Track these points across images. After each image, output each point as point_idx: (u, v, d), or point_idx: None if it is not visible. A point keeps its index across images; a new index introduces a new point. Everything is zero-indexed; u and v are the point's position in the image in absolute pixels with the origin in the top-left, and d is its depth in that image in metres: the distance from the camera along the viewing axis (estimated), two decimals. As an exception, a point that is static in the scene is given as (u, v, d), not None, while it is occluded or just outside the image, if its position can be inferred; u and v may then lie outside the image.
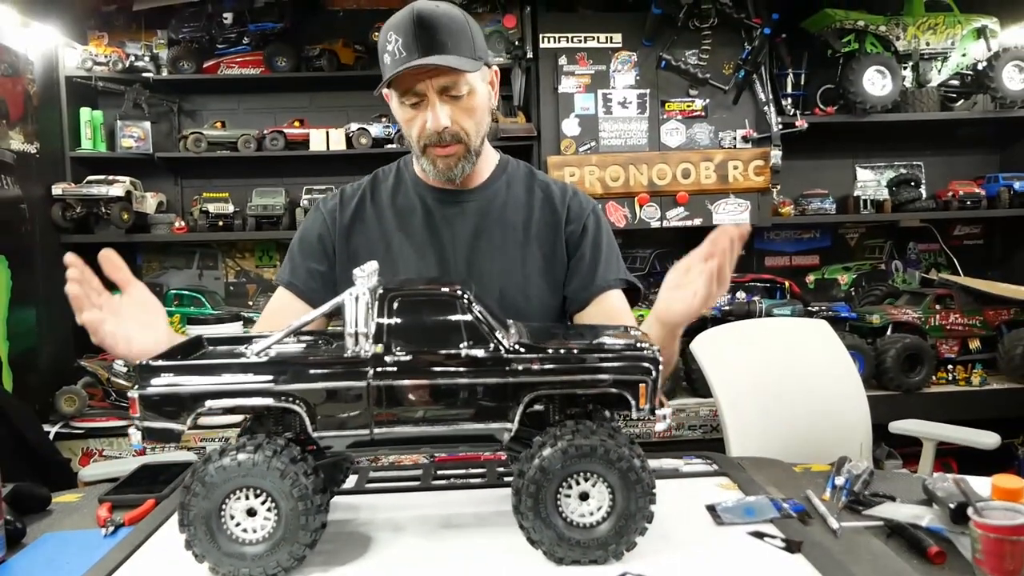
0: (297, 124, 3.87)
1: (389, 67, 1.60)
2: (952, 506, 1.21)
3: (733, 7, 3.71)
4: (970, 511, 1.07)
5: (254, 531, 1.10)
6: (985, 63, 3.93)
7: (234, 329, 3.37)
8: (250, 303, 4.10)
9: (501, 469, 1.57)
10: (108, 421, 3.25)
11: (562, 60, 3.70)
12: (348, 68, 3.83)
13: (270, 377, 1.11)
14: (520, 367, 1.12)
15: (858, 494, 1.36)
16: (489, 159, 1.85)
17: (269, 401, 1.11)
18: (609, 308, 1.75)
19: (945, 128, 4.19)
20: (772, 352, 2.34)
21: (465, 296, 1.14)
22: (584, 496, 1.12)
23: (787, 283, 3.77)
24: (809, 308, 3.67)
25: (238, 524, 1.10)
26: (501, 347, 1.12)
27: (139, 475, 1.61)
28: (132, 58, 3.78)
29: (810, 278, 4.33)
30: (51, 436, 3.12)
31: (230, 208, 3.79)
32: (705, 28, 3.72)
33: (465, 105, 1.63)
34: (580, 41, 3.71)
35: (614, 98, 3.72)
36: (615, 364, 1.13)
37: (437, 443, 1.15)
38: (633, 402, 1.13)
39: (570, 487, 1.11)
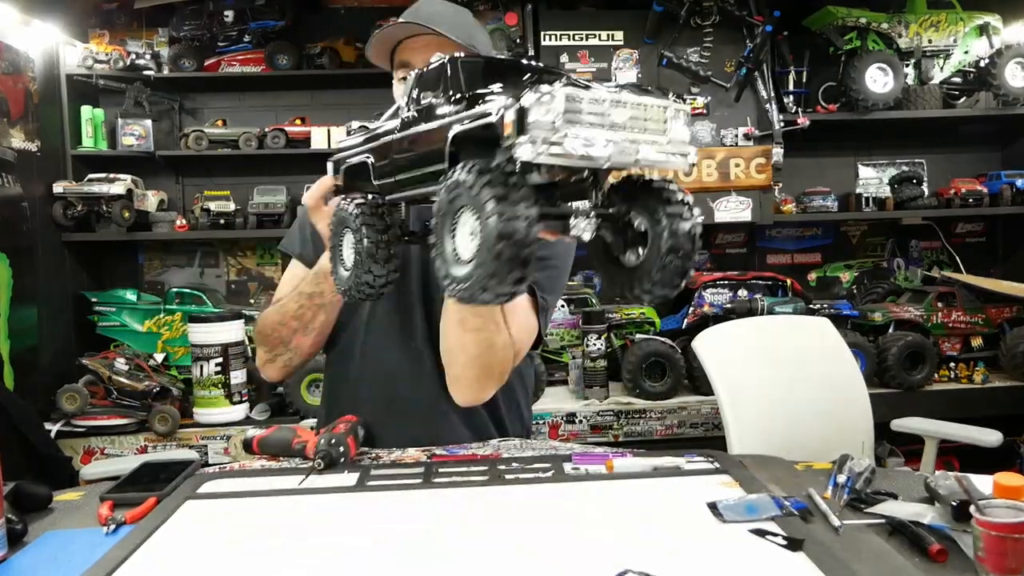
0: (298, 122, 3.87)
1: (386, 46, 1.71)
2: (954, 504, 1.21)
3: (735, 5, 3.71)
4: (972, 509, 1.07)
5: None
6: (987, 60, 3.92)
7: (235, 327, 3.36)
8: (251, 301, 4.10)
9: (502, 467, 1.58)
10: (109, 419, 3.25)
11: (563, 57, 3.70)
12: (350, 66, 3.83)
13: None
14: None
15: (860, 492, 1.36)
16: None
17: None
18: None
19: (947, 125, 4.18)
20: (774, 350, 2.34)
21: None
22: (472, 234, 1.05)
23: (789, 281, 3.76)
24: (811, 306, 3.66)
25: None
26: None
27: (140, 473, 1.61)
28: (133, 56, 3.78)
29: (812, 276, 4.33)
30: (52, 434, 3.12)
31: (231, 206, 3.79)
32: (707, 25, 3.72)
33: None
34: (581, 39, 3.71)
35: (615, 96, 3.71)
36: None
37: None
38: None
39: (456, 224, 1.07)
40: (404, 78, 1.67)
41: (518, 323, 1.69)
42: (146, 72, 3.80)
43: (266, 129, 3.78)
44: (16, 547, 1.28)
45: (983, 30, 3.93)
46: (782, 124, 3.74)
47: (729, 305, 3.60)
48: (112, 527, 1.34)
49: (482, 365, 1.64)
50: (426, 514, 1.15)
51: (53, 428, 3.16)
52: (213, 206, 3.78)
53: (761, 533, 1.22)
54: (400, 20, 1.68)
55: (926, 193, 4.08)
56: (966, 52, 3.95)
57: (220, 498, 1.49)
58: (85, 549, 1.24)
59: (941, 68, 3.96)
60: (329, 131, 3.77)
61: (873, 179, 4.27)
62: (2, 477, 1.26)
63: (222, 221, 3.78)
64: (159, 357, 3.67)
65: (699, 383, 3.42)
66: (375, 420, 1.75)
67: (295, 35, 3.89)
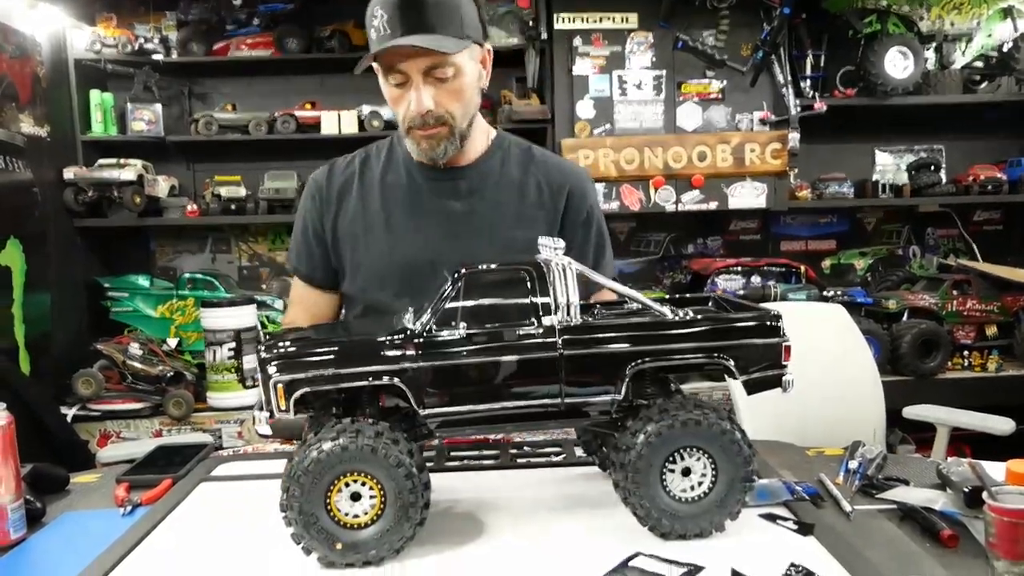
0: (308, 107, 3.87)
1: (374, 43, 1.57)
2: (966, 490, 1.22)
3: (751, -13, 3.68)
4: (984, 495, 1.07)
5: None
6: (1011, 45, 3.88)
7: (248, 312, 3.38)
8: (263, 286, 4.12)
9: (514, 451, 1.59)
10: (124, 404, 3.28)
11: (577, 41, 3.68)
12: (360, 49, 3.80)
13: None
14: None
15: (871, 478, 1.37)
16: (483, 136, 1.80)
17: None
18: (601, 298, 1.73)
19: (968, 111, 4.14)
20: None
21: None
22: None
23: (803, 268, 3.76)
24: (825, 293, 3.66)
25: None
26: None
27: (155, 456, 1.64)
28: (141, 40, 3.78)
29: (826, 263, 4.31)
30: (68, 419, 3.16)
31: (242, 192, 3.81)
32: (723, 8, 3.69)
33: (451, 87, 1.59)
34: (595, 21, 3.69)
35: (629, 80, 3.70)
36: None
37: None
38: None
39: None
40: (399, 84, 1.59)
41: None
42: (154, 56, 3.80)
43: (276, 114, 3.79)
44: (35, 528, 1.31)
45: (1007, 13, 3.88)
46: (799, 109, 3.72)
47: (742, 292, 3.60)
48: (128, 508, 1.37)
49: None
50: (437, 497, 1.16)
51: (69, 412, 3.20)
52: (224, 191, 3.80)
53: (772, 518, 1.23)
54: (390, 43, 1.53)
55: (944, 180, 4.06)
56: (989, 36, 3.91)
57: (234, 480, 1.52)
58: (102, 530, 1.27)
59: (963, 52, 3.92)
60: (339, 115, 3.77)
61: (890, 165, 4.24)
62: (20, 460, 1.28)
63: (233, 207, 3.80)
64: (172, 342, 3.70)
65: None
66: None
67: (304, 18, 3.88)
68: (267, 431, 1.18)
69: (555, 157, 1.90)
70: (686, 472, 1.15)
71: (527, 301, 1.16)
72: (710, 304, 1.41)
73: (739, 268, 3.77)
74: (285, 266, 2.00)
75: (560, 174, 1.82)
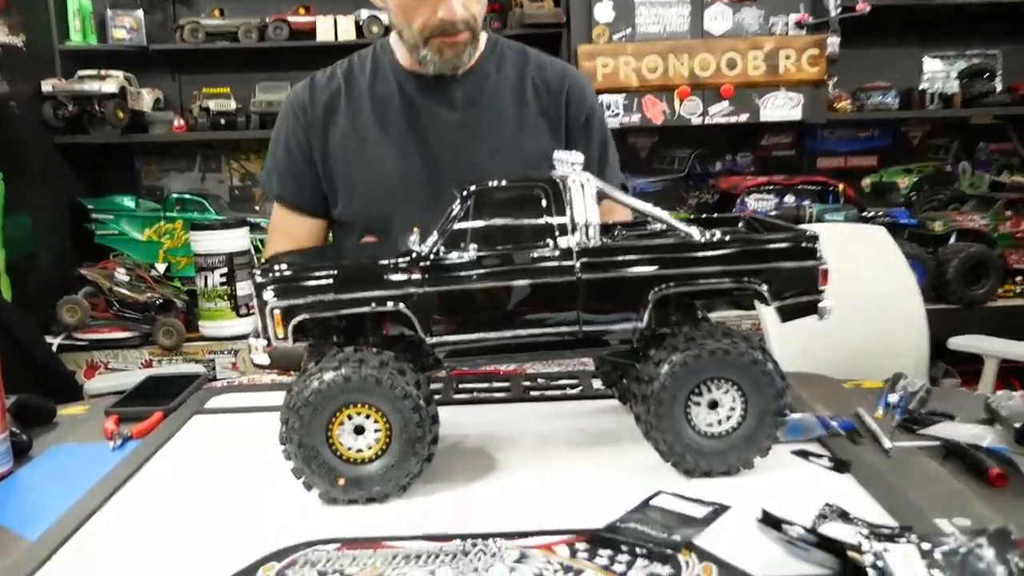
0: (302, 11, 3.78)
1: None
2: (1017, 426, 1.21)
3: None
4: (1037, 430, 1.06)
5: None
6: (1078, -65, 3.73)
7: (240, 234, 3.38)
8: (256, 208, 4.11)
9: (527, 383, 1.59)
10: (112, 332, 3.31)
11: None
12: (357, -53, 3.71)
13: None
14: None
15: (913, 412, 1.36)
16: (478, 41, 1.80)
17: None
18: (607, 215, 1.72)
19: (1027, 12, 4.01)
20: (823, 261, 2.32)
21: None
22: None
23: (841, 186, 3.71)
24: (864, 214, 3.63)
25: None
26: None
27: (145, 388, 1.66)
28: (120, -62, 3.70)
29: (866, 181, 4.23)
30: (54, 348, 3.19)
31: (232, 105, 3.77)
32: None
33: None
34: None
35: (653, -21, 3.59)
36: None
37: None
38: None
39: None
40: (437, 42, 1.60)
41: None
42: (135, -44, 3.71)
43: (267, 19, 3.71)
44: (21, 461, 1.32)
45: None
46: (839, 10, 3.60)
47: (774, 212, 3.57)
48: (119, 442, 1.38)
49: None
50: (445, 432, 1.16)
51: (54, 342, 3.23)
52: (213, 105, 3.76)
53: (805, 455, 1.22)
54: None
55: (999, 89, 3.95)
56: (1054, -75, 3.75)
57: (228, 413, 1.53)
58: (92, 463, 1.28)
59: (1023, -56, 3.77)
60: (336, 20, 3.69)
61: (939, 73, 4.13)
62: (5, 390, 1.29)
63: (223, 121, 3.76)
64: (161, 268, 3.72)
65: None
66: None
67: (297, -88, 3.77)
68: (264, 360, 1.18)
69: (550, 57, 1.89)
70: (713, 405, 1.14)
71: (542, 221, 1.14)
72: (740, 225, 1.38)
73: (771, 187, 3.73)
74: (260, 185, 1.98)
75: (557, 74, 1.81)
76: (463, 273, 1.12)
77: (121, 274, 3.42)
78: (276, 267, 1.13)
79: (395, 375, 1.08)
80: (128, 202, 3.80)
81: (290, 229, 1.87)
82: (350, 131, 1.77)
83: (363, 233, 1.79)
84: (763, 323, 2.28)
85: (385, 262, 1.12)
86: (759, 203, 3.70)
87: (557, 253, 1.13)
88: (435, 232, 1.14)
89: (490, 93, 1.77)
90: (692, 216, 1.54)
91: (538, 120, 1.78)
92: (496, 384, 1.61)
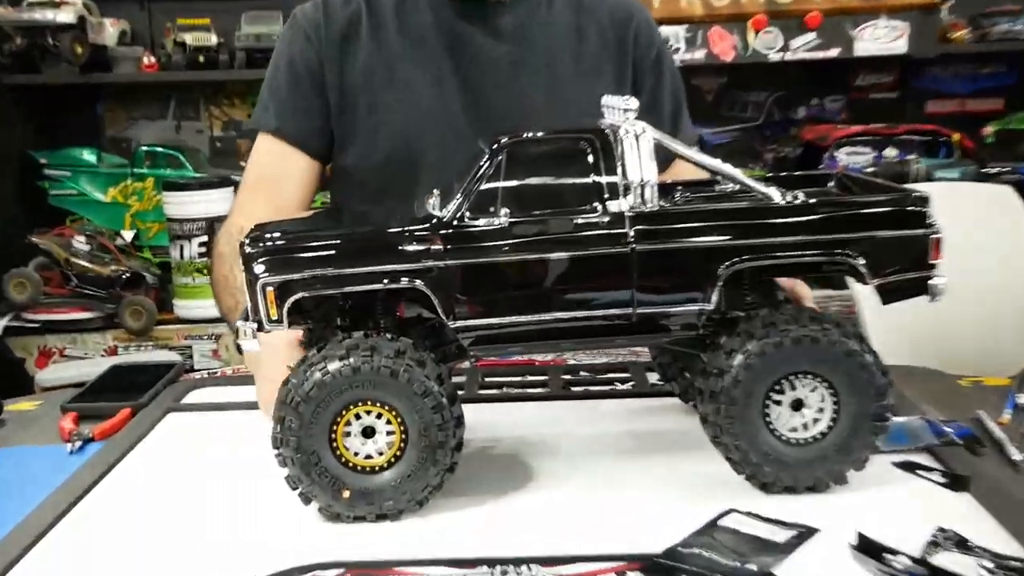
0: (296, -77, 3.78)
1: None
2: None
3: None
4: None
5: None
6: None
7: (223, 196, 3.39)
8: (242, 163, 4.10)
9: (568, 376, 1.58)
10: (69, 312, 3.35)
11: None
12: None
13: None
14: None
15: (1047, 416, 1.34)
16: None
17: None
18: (680, 175, 1.71)
19: None
20: (932, 228, 2.30)
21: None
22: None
23: (956, 136, 3.67)
24: (986, 170, 3.58)
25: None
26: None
27: (109, 379, 1.68)
28: None
29: (988, 129, 4.14)
30: None
31: (213, 39, 3.77)
32: None
33: None
34: None
35: None
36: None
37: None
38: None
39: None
40: None
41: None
42: None
43: (255, -67, 3.72)
44: (-42, 467, 1.34)
45: None
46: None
47: (872, 168, 3.54)
48: (77, 445, 1.39)
49: None
50: (470, 434, 1.15)
51: (0, 323, 3.28)
52: (189, 39, 3.76)
53: (912, 467, 1.21)
54: None
55: None
56: None
57: (209, 411, 1.54)
58: (45, 471, 1.29)
59: None
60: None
61: (1084, -7, 4.04)
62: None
63: (201, 59, 3.77)
64: (128, 235, 3.75)
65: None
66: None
67: None
68: (254, 347, 1.18)
69: None
70: (797, 405, 1.13)
71: (588, 180, 1.13)
72: (831, 185, 1.36)
73: (868, 137, 3.70)
74: (247, 124, 1.98)
75: (621, 5, 1.83)
76: (492, 243, 1.11)
77: (80, 242, 3.45)
78: (269, 234, 1.13)
79: (413, 367, 1.08)
80: (88, 155, 3.83)
81: (277, 173, 1.85)
82: (374, 61, 1.77)
83: (378, 189, 1.79)
84: (858, 306, 2.26)
85: (399, 229, 1.11)
86: (853, 157, 3.66)
87: (606, 219, 1.11)
88: (459, 193, 1.13)
89: (541, 26, 1.78)
90: (770, 174, 1.53)
91: (601, 64, 1.78)
92: (531, 378, 1.61)
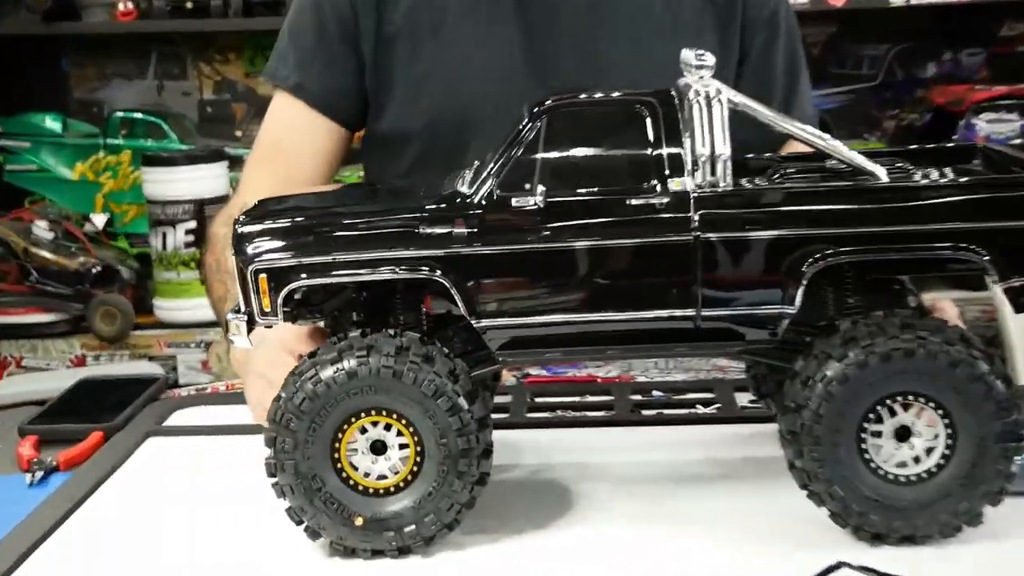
0: None
1: None
2: None
3: None
4: None
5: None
6: None
7: (214, 172, 3.41)
8: (237, 132, 4.14)
9: (637, 397, 1.58)
10: (28, 314, 3.38)
11: None
12: None
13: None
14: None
15: None
16: None
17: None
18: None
19: None
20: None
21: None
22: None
23: None
24: None
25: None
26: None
27: (78, 396, 1.70)
28: None
29: None
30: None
31: (203, -20, 3.80)
32: None
33: None
34: None
35: None
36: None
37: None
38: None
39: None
40: None
41: None
42: None
43: None
44: None
45: None
46: None
47: (1019, 141, 3.48)
48: (39, 475, 1.42)
49: None
50: (518, 461, 1.15)
51: (-55, 327, 3.32)
52: (174, -19, 3.79)
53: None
54: None
55: None
56: None
57: (197, 435, 1.55)
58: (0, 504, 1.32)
59: None
60: None
61: None
62: None
63: (189, 4, 3.78)
64: (99, 220, 3.76)
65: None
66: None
67: None
68: (246, 344, 1.19)
69: None
70: (902, 435, 1.12)
71: (646, 153, 1.13)
72: (976, 162, 1.33)
73: (1013, 101, 3.67)
74: (263, 76, 1.98)
75: None
76: (526, 227, 1.11)
77: (42, 228, 3.48)
78: (266, 212, 1.13)
79: (419, 364, 1.08)
80: (52, 123, 3.85)
81: (296, 143, 1.87)
82: (420, 6, 1.78)
83: (418, 160, 1.80)
84: (1000, 310, 2.23)
85: (415, 208, 1.12)
86: (995, 126, 3.62)
87: (666, 200, 1.11)
88: (489, 165, 1.13)
89: None
90: (887, 149, 1.51)
91: (700, 19, 1.78)
92: (591, 398, 1.61)
